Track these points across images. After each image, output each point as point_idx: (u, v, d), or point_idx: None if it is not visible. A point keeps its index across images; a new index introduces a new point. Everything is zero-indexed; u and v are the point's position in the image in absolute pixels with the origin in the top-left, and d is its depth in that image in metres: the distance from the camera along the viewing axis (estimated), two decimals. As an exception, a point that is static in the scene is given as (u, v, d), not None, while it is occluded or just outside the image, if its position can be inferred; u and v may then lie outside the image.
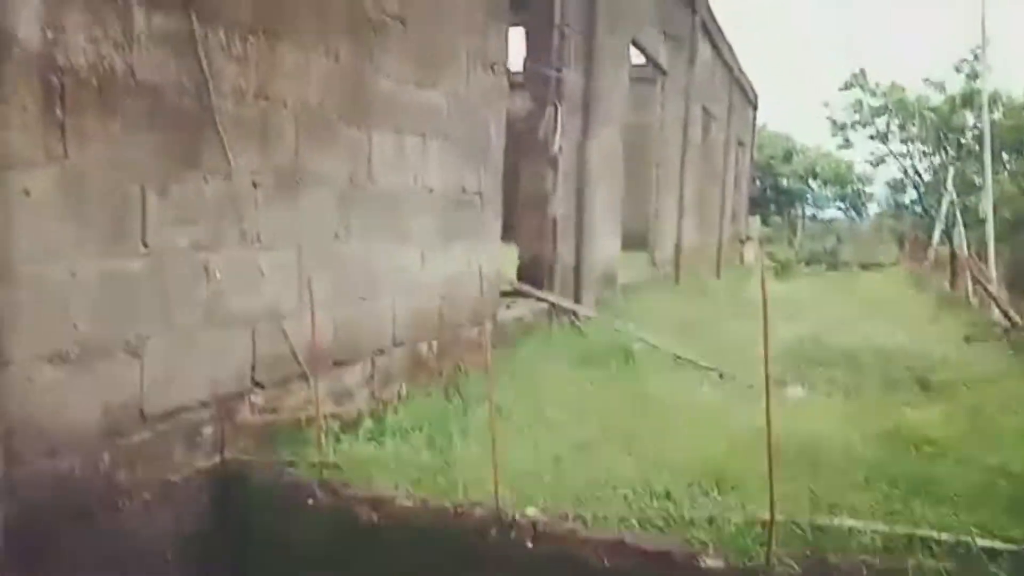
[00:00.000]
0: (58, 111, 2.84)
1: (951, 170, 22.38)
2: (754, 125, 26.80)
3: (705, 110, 16.07)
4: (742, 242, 23.42)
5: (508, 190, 9.91)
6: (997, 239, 28.33)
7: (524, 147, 8.25)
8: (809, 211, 38.01)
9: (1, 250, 2.68)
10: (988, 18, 19.45)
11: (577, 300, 8.56)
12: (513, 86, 7.78)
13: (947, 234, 19.52)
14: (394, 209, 4.94)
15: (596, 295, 9.19)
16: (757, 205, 31.46)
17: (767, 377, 3.13)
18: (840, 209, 39.36)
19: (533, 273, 8.33)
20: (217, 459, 3.63)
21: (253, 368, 3.84)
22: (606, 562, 3.17)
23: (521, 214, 8.46)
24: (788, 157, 35.25)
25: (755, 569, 3.09)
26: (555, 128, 7.85)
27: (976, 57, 31.86)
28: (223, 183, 3.58)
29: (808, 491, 3.77)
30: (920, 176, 37.19)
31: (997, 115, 34.48)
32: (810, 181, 35.96)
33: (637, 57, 11.46)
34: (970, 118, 32.73)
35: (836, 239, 33.63)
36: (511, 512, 3.42)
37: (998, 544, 3.12)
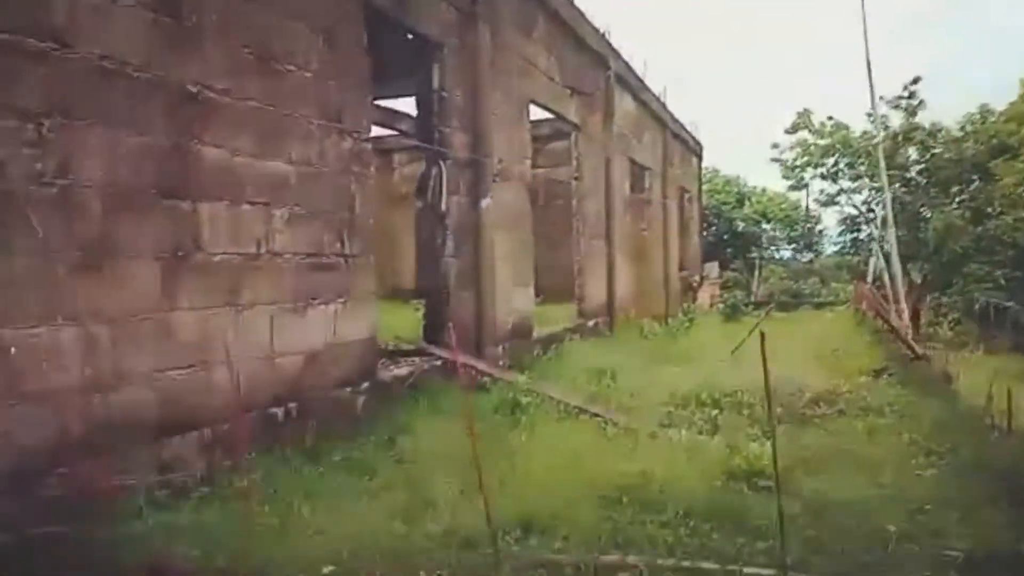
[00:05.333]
0: None
1: (889, 207, 22.83)
2: (699, 173, 27.40)
3: (633, 162, 16.45)
4: (693, 287, 23.64)
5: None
6: (949, 271, 28.92)
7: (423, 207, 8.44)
8: (768, 253, 38.55)
9: None
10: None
11: (479, 355, 8.60)
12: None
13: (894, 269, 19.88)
14: (232, 277, 5.02)
15: (505, 349, 9.24)
16: (715, 250, 31.87)
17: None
18: (795, 249, 39.97)
19: (434, 331, 8.40)
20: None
21: (60, 443, 3.84)
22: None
23: (420, 273, 8.59)
24: (741, 201, 35.94)
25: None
26: (440, 186, 8.03)
27: (911, 95, 33.17)
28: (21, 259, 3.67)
29: (608, 529, 3.81)
30: (873, 212, 37.99)
31: (938, 149, 35.65)
32: (763, 224, 36.61)
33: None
34: (913, 153, 33.73)
35: (795, 280, 34.11)
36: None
37: (764, 572, 3.16)
